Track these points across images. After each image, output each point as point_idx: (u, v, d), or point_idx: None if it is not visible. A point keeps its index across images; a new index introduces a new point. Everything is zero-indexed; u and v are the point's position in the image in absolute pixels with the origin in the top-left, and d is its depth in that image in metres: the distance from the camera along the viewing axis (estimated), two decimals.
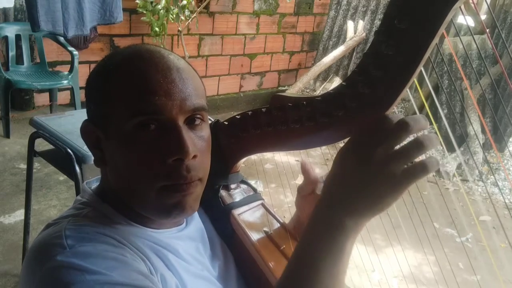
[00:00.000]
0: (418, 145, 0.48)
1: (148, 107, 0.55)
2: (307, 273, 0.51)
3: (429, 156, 0.49)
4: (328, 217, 0.52)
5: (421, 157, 0.49)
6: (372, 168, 0.48)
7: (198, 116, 0.59)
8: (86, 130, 0.62)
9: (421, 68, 0.50)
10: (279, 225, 0.82)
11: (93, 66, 0.65)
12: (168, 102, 0.56)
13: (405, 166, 0.48)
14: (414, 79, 0.51)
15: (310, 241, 0.53)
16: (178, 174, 0.57)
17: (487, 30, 3.75)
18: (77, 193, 1.61)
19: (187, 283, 0.62)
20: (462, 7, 0.48)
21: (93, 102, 0.62)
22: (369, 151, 0.49)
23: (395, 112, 0.55)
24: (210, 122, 0.75)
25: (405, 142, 0.49)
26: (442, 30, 0.48)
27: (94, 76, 0.62)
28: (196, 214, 0.75)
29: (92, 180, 0.70)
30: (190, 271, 0.64)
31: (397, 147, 0.49)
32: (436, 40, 0.48)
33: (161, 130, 0.56)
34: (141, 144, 0.56)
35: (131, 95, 0.56)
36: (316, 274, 0.51)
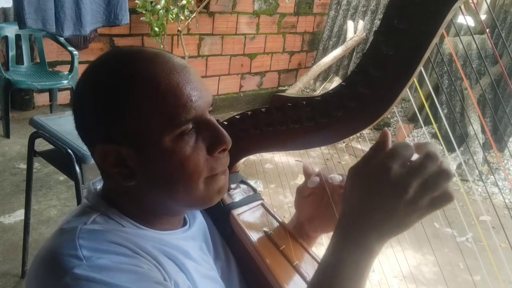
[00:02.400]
0: (447, 176, 0.50)
1: (188, 115, 0.55)
2: None
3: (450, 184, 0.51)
4: (354, 239, 0.53)
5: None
6: (406, 200, 0.50)
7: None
8: (104, 153, 0.57)
9: (421, 68, 0.50)
10: (278, 225, 0.82)
11: None
12: (200, 103, 0.57)
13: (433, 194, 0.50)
14: (414, 79, 0.51)
15: (334, 262, 0.54)
16: (223, 162, 0.61)
17: (488, 29, 3.74)
18: (77, 193, 1.61)
19: (198, 284, 0.62)
20: (462, 7, 0.48)
21: (109, 118, 0.56)
22: (403, 182, 0.50)
23: (395, 112, 0.56)
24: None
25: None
26: (442, 30, 0.48)
27: (100, 93, 0.56)
28: (199, 214, 0.74)
29: (97, 180, 0.68)
30: (200, 271, 0.64)
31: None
32: (436, 40, 0.48)
33: (198, 128, 0.58)
34: (186, 149, 0.56)
35: (168, 107, 0.54)
36: None
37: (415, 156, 0.51)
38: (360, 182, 0.53)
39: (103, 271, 0.51)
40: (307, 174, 0.77)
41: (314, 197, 0.77)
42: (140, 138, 0.55)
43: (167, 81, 0.55)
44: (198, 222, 0.73)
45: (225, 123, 0.73)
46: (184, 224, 0.70)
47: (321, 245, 0.82)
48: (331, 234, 0.57)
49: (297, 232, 0.80)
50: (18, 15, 2.76)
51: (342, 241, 0.54)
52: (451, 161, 3.35)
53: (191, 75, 0.58)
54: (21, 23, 2.76)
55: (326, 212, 0.76)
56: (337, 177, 0.73)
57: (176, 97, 0.55)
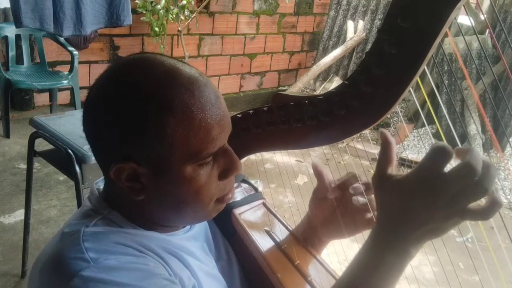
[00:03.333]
0: (484, 189, 0.48)
1: (213, 149, 0.56)
2: None
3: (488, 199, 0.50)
4: (393, 243, 0.53)
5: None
6: (445, 205, 0.49)
7: None
8: (121, 170, 0.55)
9: (424, 67, 0.50)
10: (280, 224, 0.81)
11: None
12: (225, 135, 0.58)
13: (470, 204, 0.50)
14: (417, 78, 0.51)
15: (370, 263, 0.55)
16: (231, 184, 0.62)
17: (488, 29, 3.74)
18: (77, 193, 1.61)
19: (203, 283, 0.62)
20: (463, 6, 0.48)
21: (134, 139, 0.54)
22: (437, 190, 0.49)
23: (397, 111, 0.55)
24: None
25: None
26: (445, 29, 0.47)
27: (129, 112, 0.53)
28: None
29: (99, 180, 0.68)
30: (204, 269, 0.65)
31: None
32: (439, 39, 0.48)
33: (216, 156, 0.58)
34: (203, 177, 0.57)
35: (197, 141, 0.54)
36: None
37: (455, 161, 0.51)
38: (396, 187, 0.53)
39: (112, 272, 0.51)
40: (318, 174, 0.76)
41: (331, 201, 0.75)
42: (162, 162, 0.55)
43: (202, 114, 0.54)
44: (200, 222, 0.73)
45: None
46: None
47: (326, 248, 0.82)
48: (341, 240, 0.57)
49: (307, 236, 0.79)
50: (14, 15, 2.76)
51: (380, 244, 0.55)
52: (452, 161, 3.34)
53: (222, 105, 0.57)
54: (18, 22, 2.76)
55: (344, 218, 0.74)
56: (360, 188, 0.70)
57: (208, 131, 0.55)
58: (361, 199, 0.71)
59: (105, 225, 0.58)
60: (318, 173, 0.75)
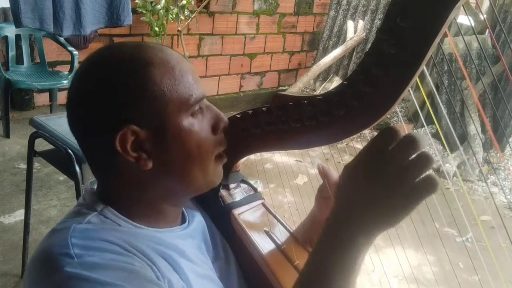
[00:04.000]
0: (427, 160, 0.48)
1: (198, 95, 0.60)
2: None
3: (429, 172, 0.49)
4: (341, 234, 0.52)
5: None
6: (385, 185, 0.48)
7: None
8: (125, 137, 0.56)
9: (423, 67, 0.50)
10: (279, 225, 0.81)
11: None
12: (202, 86, 0.62)
13: (414, 181, 0.48)
14: (416, 78, 0.51)
15: (323, 257, 0.53)
16: (224, 140, 0.65)
17: (488, 30, 3.74)
18: (77, 193, 1.61)
19: (193, 284, 0.61)
20: (462, 6, 0.48)
21: (124, 103, 0.56)
22: (380, 167, 0.49)
23: (397, 111, 0.55)
24: None
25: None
26: (444, 28, 0.47)
27: (117, 77, 0.57)
28: (198, 213, 0.74)
29: (94, 181, 0.69)
30: (196, 271, 0.64)
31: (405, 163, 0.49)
32: (438, 38, 0.48)
33: (201, 110, 0.62)
34: (199, 128, 0.61)
35: (183, 88, 0.59)
36: None
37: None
38: (343, 177, 0.53)
39: (94, 269, 0.51)
40: (324, 174, 0.77)
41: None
42: (158, 118, 0.58)
43: (179, 65, 0.60)
44: (197, 221, 0.73)
45: None
46: (183, 221, 0.70)
47: None
48: None
49: (311, 234, 0.79)
50: (14, 14, 2.76)
51: (328, 236, 0.53)
52: (452, 161, 3.35)
53: (191, 63, 0.64)
54: (17, 22, 2.76)
55: None
56: None
57: (188, 79, 0.60)
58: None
59: (98, 222, 0.59)
60: (323, 174, 0.77)
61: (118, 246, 0.55)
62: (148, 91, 0.57)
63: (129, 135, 0.57)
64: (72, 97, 0.60)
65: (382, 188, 0.48)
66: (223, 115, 0.65)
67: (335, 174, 0.77)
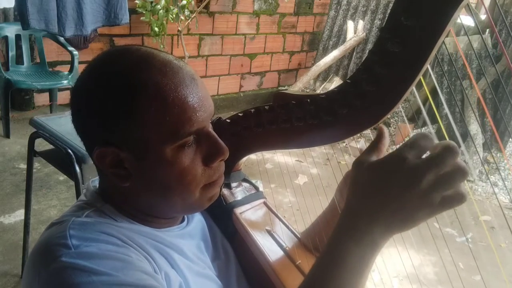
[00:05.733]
0: (463, 174, 0.47)
1: (191, 128, 0.56)
2: (331, 286, 0.51)
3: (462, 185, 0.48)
4: (358, 231, 0.50)
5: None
6: (415, 194, 0.47)
7: None
8: (103, 154, 0.57)
9: (427, 66, 0.50)
10: (281, 224, 0.81)
11: None
12: (204, 116, 0.58)
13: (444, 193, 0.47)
14: (420, 77, 0.51)
15: (336, 253, 0.52)
16: (220, 172, 0.63)
17: (488, 29, 3.75)
18: (77, 193, 1.61)
19: (191, 282, 0.61)
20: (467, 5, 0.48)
21: (112, 122, 0.56)
22: (415, 176, 0.47)
23: (400, 110, 0.55)
24: (211, 120, 0.75)
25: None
26: (449, 27, 0.47)
27: (106, 96, 0.56)
28: (197, 213, 0.74)
29: (96, 178, 0.69)
30: (194, 270, 0.64)
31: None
32: (443, 37, 0.48)
33: (198, 139, 0.59)
34: (185, 160, 0.57)
35: (173, 119, 0.55)
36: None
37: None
38: (369, 172, 0.51)
39: (89, 258, 0.51)
40: (382, 138, 0.72)
41: None
42: (141, 145, 0.56)
43: (175, 93, 0.55)
44: (197, 220, 0.73)
45: (228, 120, 0.73)
46: (182, 221, 0.70)
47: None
48: None
49: (334, 218, 0.77)
50: (21, 16, 2.75)
51: (345, 233, 0.52)
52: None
53: (198, 87, 0.58)
54: (24, 24, 2.75)
55: None
56: None
57: (182, 110, 0.56)
58: None
59: (97, 217, 0.59)
60: (382, 136, 0.71)
61: (115, 238, 0.56)
62: (132, 118, 0.55)
63: (108, 154, 0.57)
64: (71, 99, 0.61)
65: (412, 193, 0.47)
66: (223, 147, 0.60)
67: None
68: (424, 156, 0.48)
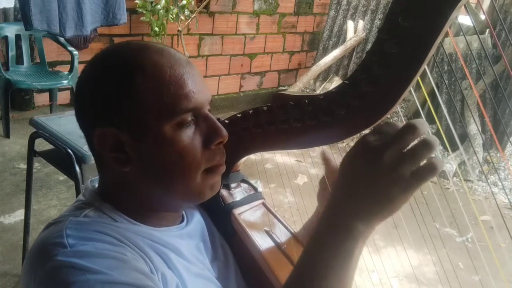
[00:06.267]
0: (427, 146, 0.47)
1: (188, 105, 0.58)
2: (315, 277, 0.51)
3: (432, 156, 0.48)
4: (338, 221, 0.51)
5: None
6: (382, 171, 0.48)
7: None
8: (103, 136, 0.58)
9: (424, 66, 0.50)
10: (280, 224, 0.81)
11: None
12: (201, 97, 0.59)
13: (414, 168, 0.48)
14: (418, 77, 0.51)
15: (319, 244, 0.52)
16: (220, 155, 0.62)
17: (488, 30, 3.75)
18: (77, 193, 1.61)
19: (188, 283, 0.61)
20: (464, 6, 0.48)
21: (111, 103, 0.58)
22: (377, 154, 0.48)
23: (398, 111, 0.55)
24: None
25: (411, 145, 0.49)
26: (446, 28, 0.47)
27: (106, 78, 0.58)
28: (197, 213, 0.74)
29: (95, 178, 0.69)
30: (191, 270, 0.64)
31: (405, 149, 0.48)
32: (440, 38, 0.48)
33: (196, 120, 0.60)
34: (184, 139, 0.58)
35: (170, 96, 0.57)
36: (324, 278, 0.50)
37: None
38: (342, 165, 0.53)
39: (85, 257, 0.51)
40: (326, 160, 0.76)
41: None
42: (140, 124, 0.57)
43: (172, 71, 0.57)
44: (196, 220, 0.73)
45: (227, 121, 0.73)
46: (182, 221, 0.70)
47: None
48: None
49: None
50: (24, 17, 2.76)
51: (324, 223, 0.53)
52: (452, 160, 3.35)
53: (194, 70, 0.60)
54: (27, 25, 2.76)
55: None
56: None
57: (179, 87, 0.57)
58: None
59: (95, 217, 0.59)
60: (325, 161, 0.76)
61: (112, 237, 0.56)
62: (131, 97, 0.57)
63: (108, 135, 0.58)
64: (76, 89, 0.63)
65: (381, 176, 0.48)
66: (222, 130, 0.61)
67: (334, 162, 0.76)
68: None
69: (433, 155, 0.48)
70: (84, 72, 0.62)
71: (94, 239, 0.54)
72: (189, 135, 0.59)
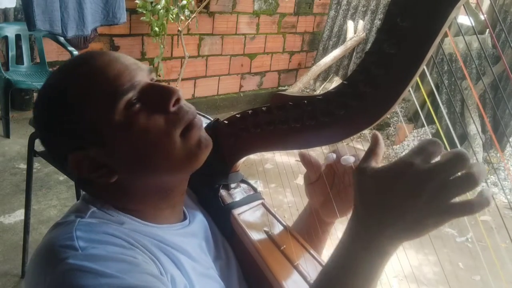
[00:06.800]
0: (472, 182, 0.45)
1: (124, 84, 0.57)
2: None
3: (479, 193, 0.46)
4: (369, 241, 0.50)
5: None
6: (424, 201, 0.46)
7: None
8: (77, 161, 0.59)
9: (424, 67, 0.50)
10: (279, 225, 0.81)
11: None
12: (133, 72, 0.58)
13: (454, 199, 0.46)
14: (417, 78, 0.51)
15: (346, 262, 0.52)
16: (184, 112, 0.59)
17: (488, 30, 3.74)
18: (77, 193, 1.61)
19: (195, 283, 0.61)
20: (463, 6, 0.48)
21: (66, 128, 0.59)
22: (423, 181, 0.46)
23: (398, 111, 0.55)
24: (209, 121, 0.75)
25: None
26: (445, 28, 0.47)
27: (47, 112, 0.60)
28: (199, 212, 0.74)
29: None
30: (197, 270, 0.64)
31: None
32: (439, 38, 0.48)
33: (142, 95, 0.58)
34: (140, 117, 0.57)
35: (102, 86, 0.56)
36: None
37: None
38: (375, 179, 0.50)
39: (96, 260, 0.51)
40: (304, 159, 0.77)
41: (323, 182, 0.76)
42: (94, 129, 0.57)
43: (92, 67, 0.58)
44: (199, 220, 0.73)
45: (226, 122, 0.73)
46: (184, 219, 0.70)
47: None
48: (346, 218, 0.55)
49: (312, 220, 0.80)
50: (27, 17, 2.76)
51: (353, 241, 0.52)
52: None
53: (113, 54, 0.60)
54: (31, 25, 2.75)
55: (339, 195, 0.75)
56: (351, 159, 0.69)
57: (106, 75, 0.57)
58: (350, 158, 0.69)
59: (101, 215, 0.59)
60: (303, 159, 0.77)
61: (122, 240, 0.55)
62: (74, 114, 0.57)
63: (80, 159, 0.58)
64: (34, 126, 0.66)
65: (419, 202, 0.46)
66: (170, 88, 0.59)
67: (316, 158, 0.77)
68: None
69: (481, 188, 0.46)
70: (34, 110, 0.64)
71: (105, 242, 0.54)
72: (141, 113, 0.57)
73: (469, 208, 0.45)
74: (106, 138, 0.57)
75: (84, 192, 0.66)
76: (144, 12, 3.46)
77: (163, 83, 0.60)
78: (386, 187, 0.49)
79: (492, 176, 3.47)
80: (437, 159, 0.47)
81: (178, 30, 3.79)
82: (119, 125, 0.56)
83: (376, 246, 0.49)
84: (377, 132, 0.55)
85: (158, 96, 0.58)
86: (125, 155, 0.58)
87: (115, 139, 0.57)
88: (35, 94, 3.56)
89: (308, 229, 0.80)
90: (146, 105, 0.58)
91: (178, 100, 0.59)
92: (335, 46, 4.85)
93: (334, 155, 0.73)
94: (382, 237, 0.49)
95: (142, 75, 0.60)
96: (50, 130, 0.61)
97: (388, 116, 0.55)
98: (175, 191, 0.65)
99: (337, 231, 0.71)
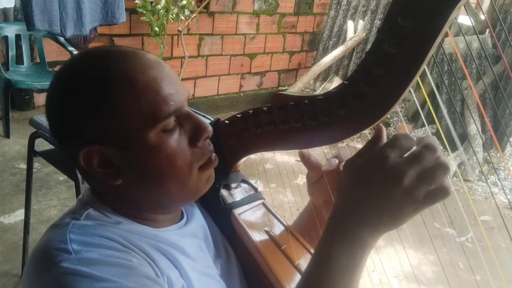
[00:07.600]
0: (444, 169, 0.48)
1: (169, 109, 0.57)
2: (325, 286, 0.52)
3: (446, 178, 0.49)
4: (347, 232, 0.52)
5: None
6: (399, 191, 0.48)
7: None
8: (89, 155, 0.57)
9: (424, 66, 0.50)
10: (280, 224, 0.81)
11: None
12: (179, 96, 0.58)
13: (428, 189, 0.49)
14: (417, 77, 0.51)
15: (327, 255, 0.53)
16: (208, 149, 0.62)
17: (488, 30, 3.75)
18: (77, 193, 1.61)
19: (194, 282, 0.61)
20: (463, 6, 0.48)
21: (96, 116, 0.56)
22: (398, 173, 0.49)
23: (398, 111, 0.55)
24: (210, 121, 0.75)
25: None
26: (446, 28, 0.47)
27: (77, 97, 0.56)
28: (197, 211, 0.74)
29: None
30: (197, 269, 0.64)
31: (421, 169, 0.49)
32: (439, 38, 0.48)
33: (179, 121, 0.59)
34: (171, 143, 0.57)
35: (148, 102, 0.55)
36: None
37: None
38: (353, 173, 0.53)
39: (91, 265, 0.50)
40: (304, 159, 0.77)
41: (325, 182, 0.76)
42: (124, 136, 0.56)
43: (143, 76, 0.56)
44: (197, 219, 0.73)
45: (226, 122, 0.73)
46: (181, 218, 0.70)
47: None
48: None
49: (312, 219, 0.80)
50: (26, 17, 2.76)
51: (333, 234, 0.53)
52: (452, 161, 3.35)
53: (166, 69, 0.59)
54: (30, 25, 2.75)
55: None
56: (334, 162, 0.72)
57: (155, 92, 0.56)
58: (333, 161, 0.72)
59: (97, 217, 0.59)
60: (303, 158, 0.77)
61: (116, 243, 0.55)
62: (107, 110, 0.55)
63: (94, 153, 0.57)
64: (46, 110, 0.61)
65: (398, 195, 0.48)
66: (205, 124, 0.60)
67: (315, 158, 0.78)
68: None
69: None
70: (52, 94, 0.60)
71: (99, 245, 0.54)
72: (175, 138, 0.58)
73: (443, 192, 0.48)
74: (132, 147, 0.57)
75: (81, 194, 0.66)
76: (144, 12, 3.46)
77: (199, 115, 0.61)
78: (364, 181, 0.51)
79: (492, 176, 3.48)
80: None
81: (178, 30, 3.79)
82: (149, 144, 0.56)
83: (356, 239, 0.51)
84: (382, 126, 0.55)
85: (193, 128, 0.60)
86: (142, 168, 0.58)
87: (140, 152, 0.57)
88: (35, 94, 3.56)
89: (309, 229, 0.80)
90: (179, 132, 0.59)
91: (207, 137, 0.61)
92: (335, 46, 4.85)
93: (337, 160, 0.74)
94: (362, 230, 0.51)
95: (184, 100, 0.60)
96: (72, 117, 0.57)
97: (388, 116, 0.55)
98: (172, 206, 0.67)
99: None
